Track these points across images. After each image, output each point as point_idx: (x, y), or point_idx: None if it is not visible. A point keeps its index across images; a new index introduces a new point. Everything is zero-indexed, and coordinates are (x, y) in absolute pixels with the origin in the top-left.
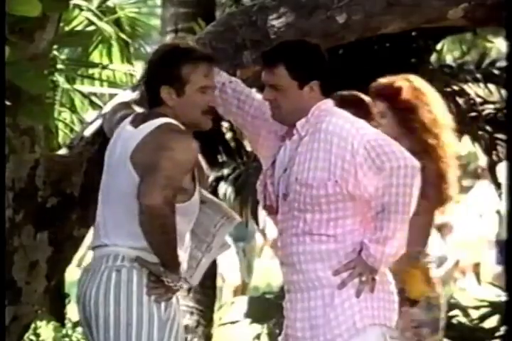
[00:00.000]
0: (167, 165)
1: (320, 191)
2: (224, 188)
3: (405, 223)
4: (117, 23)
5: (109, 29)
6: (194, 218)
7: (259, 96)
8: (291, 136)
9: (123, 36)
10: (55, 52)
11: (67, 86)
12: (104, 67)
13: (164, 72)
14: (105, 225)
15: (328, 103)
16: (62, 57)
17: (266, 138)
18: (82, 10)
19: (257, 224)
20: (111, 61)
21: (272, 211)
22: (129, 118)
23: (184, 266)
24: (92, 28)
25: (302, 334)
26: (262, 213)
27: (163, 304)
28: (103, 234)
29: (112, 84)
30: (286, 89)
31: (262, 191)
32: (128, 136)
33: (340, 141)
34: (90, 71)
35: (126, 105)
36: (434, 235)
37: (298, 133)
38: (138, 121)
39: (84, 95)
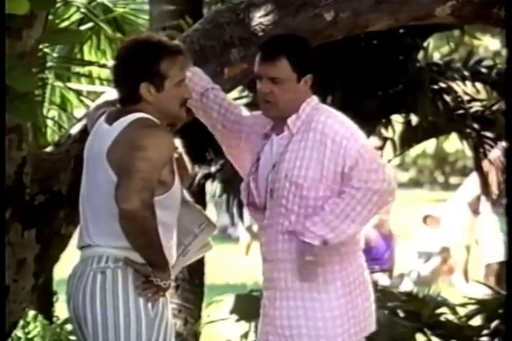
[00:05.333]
0: (142, 167)
1: (310, 192)
2: (212, 185)
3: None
4: (107, 21)
5: (105, 27)
6: (177, 211)
7: (235, 102)
8: (279, 132)
9: (110, 33)
10: (47, 50)
11: (57, 83)
12: (100, 66)
13: (143, 69)
14: (86, 225)
15: (315, 99)
16: (54, 54)
17: (246, 140)
18: (79, 7)
19: (243, 221)
20: (102, 59)
21: (256, 207)
22: (104, 116)
23: (174, 259)
24: (87, 25)
25: (282, 331)
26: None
27: (149, 301)
28: (86, 235)
29: (102, 81)
30: (286, 82)
31: (245, 188)
32: (103, 134)
33: (334, 144)
34: (80, 69)
35: (110, 103)
36: (423, 230)
37: (289, 129)
38: (112, 118)
39: (77, 92)
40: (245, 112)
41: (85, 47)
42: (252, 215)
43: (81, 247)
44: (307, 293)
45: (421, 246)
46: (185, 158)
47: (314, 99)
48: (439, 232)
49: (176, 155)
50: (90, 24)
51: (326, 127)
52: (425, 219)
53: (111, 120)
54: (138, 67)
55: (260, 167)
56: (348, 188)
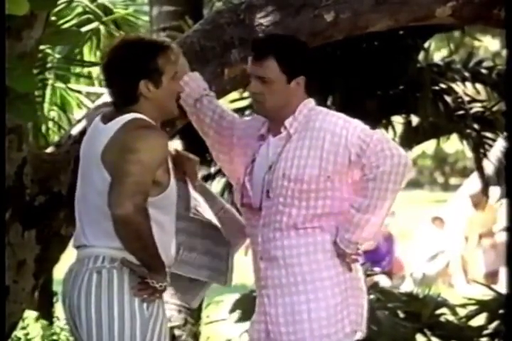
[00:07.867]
0: (135, 170)
1: (311, 186)
2: (212, 186)
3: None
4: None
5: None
6: (173, 210)
7: (229, 109)
8: (275, 133)
9: (117, 35)
10: (49, 51)
11: (59, 84)
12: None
13: (141, 67)
14: (82, 224)
15: (312, 102)
16: (57, 55)
17: (238, 144)
18: (85, 8)
19: None
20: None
21: (251, 208)
22: (100, 116)
23: (172, 258)
24: (89, 26)
25: (286, 329)
26: None
27: (145, 302)
28: (81, 234)
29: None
30: (274, 83)
31: (239, 190)
32: (98, 133)
33: (334, 137)
34: (80, 69)
35: (109, 104)
36: (429, 231)
37: (287, 130)
38: (107, 117)
39: (77, 93)
40: (238, 119)
41: (85, 48)
42: (246, 216)
43: (77, 247)
44: (309, 284)
45: (425, 247)
46: (184, 153)
47: (311, 101)
48: (443, 233)
49: (172, 153)
50: (92, 25)
51: (325, 123)
52: (434, 220)
53: (106, 120)
54: (135, 65)
55: (256, 168)
56: (365, 183)
